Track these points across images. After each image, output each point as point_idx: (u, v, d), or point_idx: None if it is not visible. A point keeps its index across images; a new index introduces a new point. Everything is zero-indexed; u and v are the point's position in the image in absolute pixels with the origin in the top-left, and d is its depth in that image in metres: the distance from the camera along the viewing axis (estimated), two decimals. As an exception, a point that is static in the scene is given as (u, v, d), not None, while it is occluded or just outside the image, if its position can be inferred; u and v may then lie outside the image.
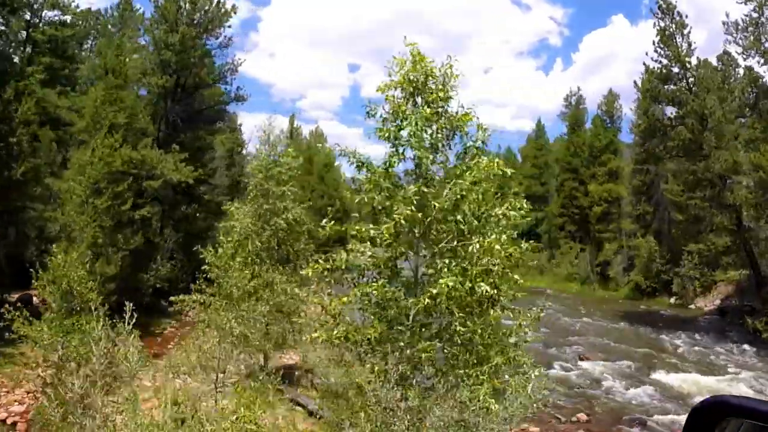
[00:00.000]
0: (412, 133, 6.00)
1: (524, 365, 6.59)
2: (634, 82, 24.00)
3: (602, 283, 37.65)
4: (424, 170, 6.20)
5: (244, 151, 56.81)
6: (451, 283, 5.64)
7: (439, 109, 6.31)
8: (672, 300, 31.31)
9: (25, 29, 27.56)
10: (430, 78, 6.20)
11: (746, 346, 19.76)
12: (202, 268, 11.82)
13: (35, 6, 28.29)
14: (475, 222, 6.21)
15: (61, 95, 26.48)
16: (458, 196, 6.01)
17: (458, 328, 5.95)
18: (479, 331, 6.04)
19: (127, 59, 21.48)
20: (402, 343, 6.02)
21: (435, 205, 5.96)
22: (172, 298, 12.50)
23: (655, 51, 23.08)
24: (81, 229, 18.96)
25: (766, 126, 20.33)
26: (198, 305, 10.90)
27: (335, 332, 6.06)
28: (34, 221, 22.66)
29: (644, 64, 23.70)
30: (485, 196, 6.25)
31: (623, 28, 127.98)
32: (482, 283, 5.78)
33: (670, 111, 23.68)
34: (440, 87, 6.21)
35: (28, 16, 28.10)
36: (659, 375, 16.02)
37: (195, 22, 23.98)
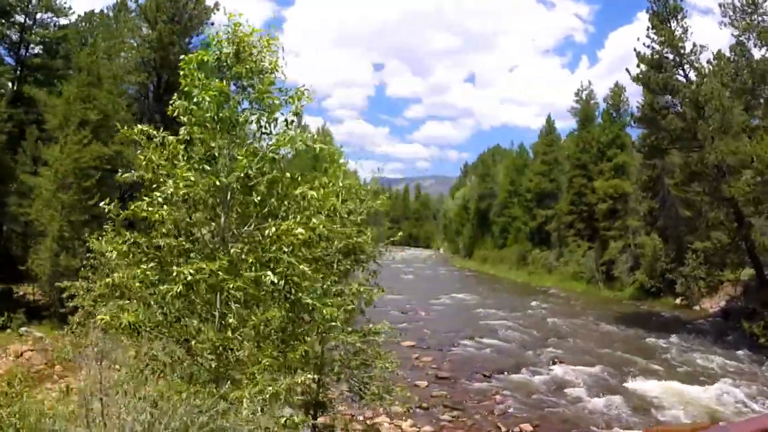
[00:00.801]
0: (190, 107, 5.34)
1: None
2: (627, 69, 22.68)
3: (607, 282, 36.29)
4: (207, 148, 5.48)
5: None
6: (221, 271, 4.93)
7: (247, 83, 5.62)
8: (677, 301, 29.77)
9: (19, 31, 27.90)
10: (244, 50, 5.53)
11: (741, 352, 18.30)
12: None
13: (29, 8, 28.67)
14: (276, 203, 5.51)
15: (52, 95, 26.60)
16: (251, 173, 5.30)
17: (231, 320, 5.22)
18: (261, 326, 5.26)
19: (102, 57, 21.47)
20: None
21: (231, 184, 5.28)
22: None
23: (647, 36, 21.78)
24: (48, 224, 19.06)
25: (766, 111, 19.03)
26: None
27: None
28: (17, 217, 22.89)
29: (635, 50, 22.41)
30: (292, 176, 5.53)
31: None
32: (269, 272, 5.05)
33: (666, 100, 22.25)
34: (252, 59, 5.52)
35: (22, 19, 28.55)
36: (635, 383, 14.80)
37: (175, 20, 23.68)
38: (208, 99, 5.25)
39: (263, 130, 5.67)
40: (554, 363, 16.75)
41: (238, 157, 5.29)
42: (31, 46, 28.24)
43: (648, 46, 21.80)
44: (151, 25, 23.00)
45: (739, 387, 14.30)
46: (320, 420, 10.99)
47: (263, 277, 4.97)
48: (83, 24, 33.36)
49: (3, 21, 28.49)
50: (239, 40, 5.43)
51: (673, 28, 21.31)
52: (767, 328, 19.22)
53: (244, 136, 5.63)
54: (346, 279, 8.49)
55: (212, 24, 25.35)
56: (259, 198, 5.41)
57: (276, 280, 4.96)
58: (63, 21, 30.73)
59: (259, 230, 5.38)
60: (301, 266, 5.19)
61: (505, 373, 15.68)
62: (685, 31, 21.29)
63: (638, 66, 22.19)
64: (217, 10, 25.24)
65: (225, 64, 5.47)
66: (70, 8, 29.78)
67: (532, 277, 44.85)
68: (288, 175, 5.59)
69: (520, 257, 49.23)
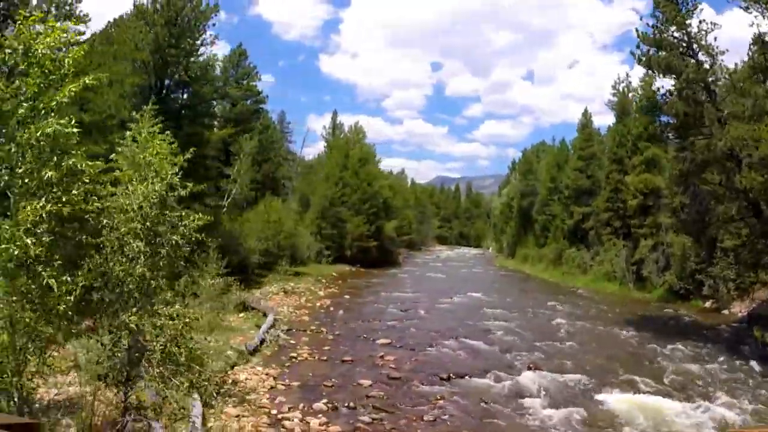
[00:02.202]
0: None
1: None
2: (631, 52, 20.87)
3: (638, 283, 34.26)
4: None
5: (293, 147, 57.93)
6: None
7: None
8: (707, 304, 27.61)
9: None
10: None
11: (753, 363, 16.25)
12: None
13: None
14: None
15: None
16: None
17: None
18: None
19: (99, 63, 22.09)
20: None
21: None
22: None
23: (652, 15, 19.91)
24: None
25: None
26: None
27: None
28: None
29: (635, 29, 20.42)
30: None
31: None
32: None
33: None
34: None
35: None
36: (608, 395, 13.14)
37: (174, 22, 24.05)
38: None
39: None
40: (529, 368, 15.43)
41: None
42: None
43: (652, 26, 20.05)
44: (149, 26, 23.53)
45: (724, 404, 12.51)
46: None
47: None
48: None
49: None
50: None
51: (678, 4, 19.45)
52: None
53: None
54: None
55: (213, 25, 25.69)
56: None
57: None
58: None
59: None
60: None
61: (467, 377, 14.51)
62: (694, 8, 19.44)
63: (638, 47, 20.43)
64: (217, 12, 25.57)
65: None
66: (87, 15, 31.14)
67: (565, 276, 43.17)
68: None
69: (556, 256, 47.58)
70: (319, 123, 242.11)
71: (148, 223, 6.93)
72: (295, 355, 15.73)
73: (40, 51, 5.73)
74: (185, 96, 26.15)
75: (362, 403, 12.02)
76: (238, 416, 10.38)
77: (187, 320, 7.17)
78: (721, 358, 17.02)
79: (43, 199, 5.55)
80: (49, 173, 5.52)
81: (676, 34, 19.58)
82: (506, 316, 24.20)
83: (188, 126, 26.57)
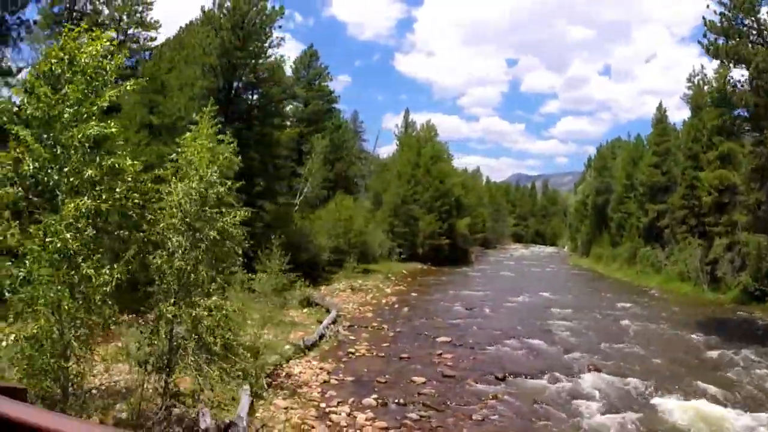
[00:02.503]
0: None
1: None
2: (698, 41, 19.38)
3: (712, 284, 32.34)
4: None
5: (367, 146, 58.74)
6: None
7: None
8: None
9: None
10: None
11: None
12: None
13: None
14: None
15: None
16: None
17: None
18: None
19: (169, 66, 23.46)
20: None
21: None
22: None
23: (719, 2, 18.40)
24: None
25: None
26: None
27: None
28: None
29: (703, 18, 19.11)
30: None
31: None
32: None
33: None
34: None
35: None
36: (668, 401, 12.53)
37: (240, 26, 24.98)
38: None
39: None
40: (588, 370, 14.95)
41: None
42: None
43: (719, 13, 18.55)
44: (216, 32, 24.60)
45: None
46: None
47: None
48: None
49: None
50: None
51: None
52: None
53: None
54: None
55: (279, 27, 26.42)
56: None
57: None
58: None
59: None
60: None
61: (524, 377, 14.26)
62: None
63: (704, 36, 18.96)
64: (282, 15, 26.26)
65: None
66: (157, 22, 33.06)
67: (638, 276, 41.63)
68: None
69: (630, 255, 46.02)
70: (395, 122, 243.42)
71: (188, 219, 7.29)
72: (352, 350, 15.92)
73: (83, 60, 6.18)
74: (255, 97, 27.11)
75: (412, 400, 12.03)
76: (286, 408, 10.65)
77: (225, 312, 7.47)
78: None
79: (86, 196, 5.98)
80: (90, 172, 5.94)
81: (745, 21, 18.05)
82: (572, 316, 23.63)
83: (258, 126, 27.52)
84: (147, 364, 7.34)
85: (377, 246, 42.94)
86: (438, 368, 14.69)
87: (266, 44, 26.11)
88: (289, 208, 32.55)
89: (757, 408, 12.20)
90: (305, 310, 20.69)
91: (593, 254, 57.99)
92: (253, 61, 25.56)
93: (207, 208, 7.52)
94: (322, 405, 11.27)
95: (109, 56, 6.64)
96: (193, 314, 7.06)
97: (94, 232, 6.09)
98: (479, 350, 17.01)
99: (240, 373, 9.57)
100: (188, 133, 10.09)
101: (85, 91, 6.18)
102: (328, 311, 20.25)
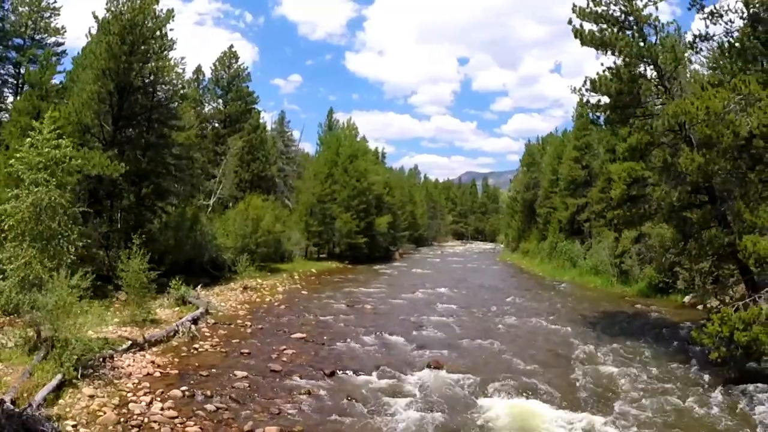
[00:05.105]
0: None
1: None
2: (569, 21, 19.41)
3: (620, 277, 33.23)
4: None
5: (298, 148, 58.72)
6: None
7: None
8: (686, 299, 25.96)
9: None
10: None
11: (694, 368, 14.72)
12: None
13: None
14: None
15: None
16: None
17: None
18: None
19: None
20: None
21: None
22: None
23: None
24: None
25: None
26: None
27: None
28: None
29: (573, 5, 18.64)
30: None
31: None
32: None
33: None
34: None
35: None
36: (496, 401, 12.11)
37: (129, 31, 24.83)
38: None
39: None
40: (428, 367, 14.19)
41: None
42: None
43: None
44: (107, 35, 24.41)
45: (616, 415, 11.22)
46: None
47: None
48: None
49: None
50: None
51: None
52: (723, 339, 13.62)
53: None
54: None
55: (172, 30, 26.36)
56: None
57: None
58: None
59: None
60: None
61: (354, 372, 13.72)
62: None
63: (569, 23, 19.01)
64: (173, 17, 26.11)
65: None
66: (63, 28, 33.19)
67: (555, 270, 41.93)
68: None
69: (551, 249, 46.25)
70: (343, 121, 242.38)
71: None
72: (197, 346, 16.25)
73: None
74: (147, 99, 27.03)
75: (221, 393, 12.28)
76: (91, 396, 10.94)
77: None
78: (659, 362, 15.44)
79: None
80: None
81: (614, 8, 18.15)
82: (455, 312, 23.29)
83: (157, 128, 27.70)
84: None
85: (291, 245, 43.26)
86: (268, 363, 14.95)
87: (156, 47, 26.08)
88: (195, 209, 32.55)
89: (585, 408, 11.77)
90: (177, 309, 21.02)
91: (521, 249, 58.38)
92: (141, 64, 25.55)
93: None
94: (129, 395, 11.56)
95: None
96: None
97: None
98: (327, 346, 17.06)
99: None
100: (27, 139, 10.40)
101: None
102: (198, 309, 20.64)
